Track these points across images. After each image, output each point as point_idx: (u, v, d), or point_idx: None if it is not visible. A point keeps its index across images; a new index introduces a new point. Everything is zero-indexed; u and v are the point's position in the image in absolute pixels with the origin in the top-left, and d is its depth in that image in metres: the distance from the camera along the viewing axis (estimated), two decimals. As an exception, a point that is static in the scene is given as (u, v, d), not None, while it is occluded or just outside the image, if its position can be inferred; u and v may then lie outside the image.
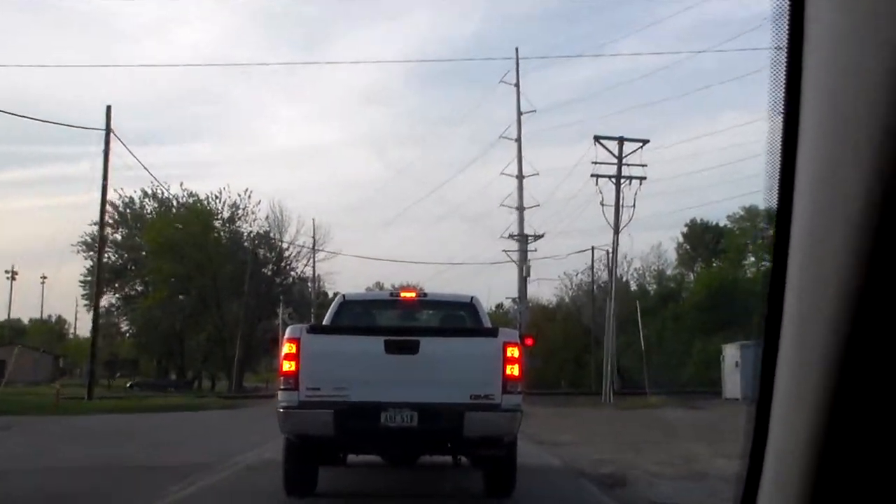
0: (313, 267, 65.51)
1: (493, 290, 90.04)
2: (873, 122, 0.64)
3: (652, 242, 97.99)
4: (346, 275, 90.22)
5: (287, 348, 8.65)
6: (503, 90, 49.43)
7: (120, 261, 64.78)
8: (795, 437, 0.83)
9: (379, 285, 65.55)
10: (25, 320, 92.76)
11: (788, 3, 0.73)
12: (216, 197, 62.41)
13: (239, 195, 62.79)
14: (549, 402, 33.53)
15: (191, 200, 62.43)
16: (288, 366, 8.59)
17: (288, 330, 9.16)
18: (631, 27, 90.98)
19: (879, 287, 0.70)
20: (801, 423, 0.82)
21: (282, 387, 8.67)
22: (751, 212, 65.32)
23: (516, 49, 48.83)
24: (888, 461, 0.82)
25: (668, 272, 68.52)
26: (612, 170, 39.53)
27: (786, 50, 0.75)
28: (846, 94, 0.66)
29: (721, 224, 69.57)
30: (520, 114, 46.93)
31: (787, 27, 0.74)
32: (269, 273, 65.22)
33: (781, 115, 0.78)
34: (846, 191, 0.68)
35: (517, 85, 47.02)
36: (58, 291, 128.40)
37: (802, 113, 0.74)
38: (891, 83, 0.61)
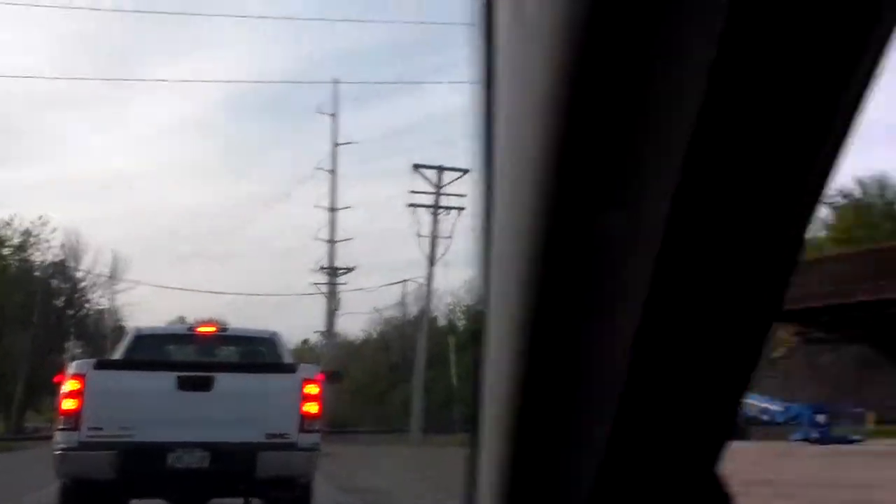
0: (110, 298, 62.90)
1: (304, 324, 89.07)
2: (532, 166, 0.65)
3: (467, 277, 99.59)
4: (147, 308, 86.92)
5: (70, 385, 8.22)
6: (323, 122, 49.34)
7: None
8: (491, 467, 0.86)
9: (181, 319, 63.59)
10: None
11: (482, 40, 0.73)
12: (7, 224, 59.06)
13: (31, 222, 59.61)
14: (355, 442, 33.36)
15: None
16: (69, 404, 8.15)
17: (73, 365, 8.73)
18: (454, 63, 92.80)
19: (545, 321, 0.73)
20: (494, 453, 0.84)
21: (60, 427, 8.22)
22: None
23: (334, 80, 49.02)
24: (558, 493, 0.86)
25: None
26: (432, 200, 40.02)
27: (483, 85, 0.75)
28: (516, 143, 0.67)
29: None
30: (335, 145, 46.99)
31: (481, 62, 0.74)
32: (62, 304, 62.10)
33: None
34: (516, 236, 0.69)
35: (333, 115, 47.10)
36: None
37: (493, 154, 0.74)
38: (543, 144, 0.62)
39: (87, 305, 64.17)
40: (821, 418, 27.86)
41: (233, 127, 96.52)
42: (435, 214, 40.02)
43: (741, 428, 31.61)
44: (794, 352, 47.94)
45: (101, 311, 64.30)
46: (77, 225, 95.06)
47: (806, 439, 27.22)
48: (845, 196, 53.97)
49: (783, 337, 48.99)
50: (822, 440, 26.89)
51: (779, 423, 30.18)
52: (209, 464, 8.18)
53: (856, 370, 47.43)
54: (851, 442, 27.07)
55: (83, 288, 63.04)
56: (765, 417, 30.52)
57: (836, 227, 54.29)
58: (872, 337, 50.23)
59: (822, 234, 56.18)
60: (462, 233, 45.09)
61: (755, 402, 30.24)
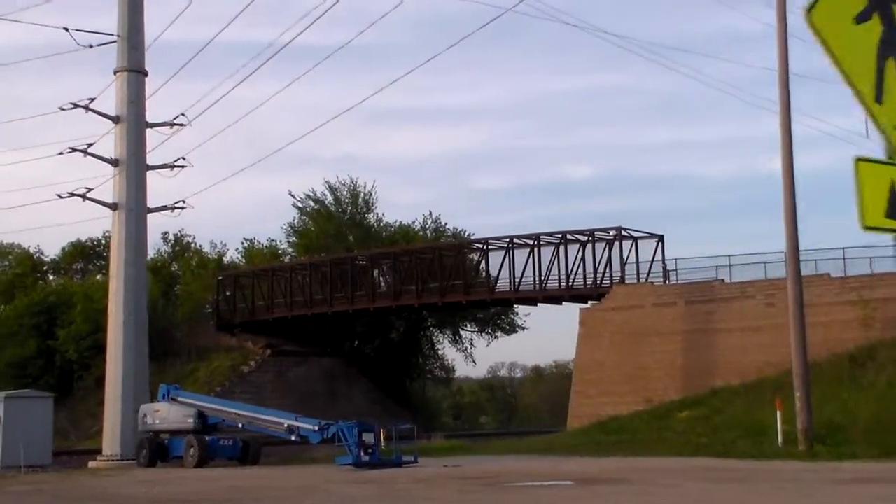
0: None
1: None
2: None
3: None
4: None
5: None
6: None
7: None
8: None
9: None
10: None
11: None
12: None
13: None
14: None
15: None
16: None
17: None
18: None
19: None
20: None
21: None
22: None
23: None
24: None
25: None
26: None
27: None
28: None
29: None
30: None
31: None
32: None
33: None
34: None
35: None
36: None
37: None
38: None
39: None
40: (369, 438, 24.26)
41: None
42: None
43: (255, 450, 28.13)
44: (265, 365, 47.73)
45: None
46: None
47: (357, 464, 23.54)
48: (317, 202, 53.83)
49: (253, 349, 48.60)
50: (374, 464, 23.57)
51: (313, 444, 26.79)
52: None
53: (326, 382, 48.61)
54: (404, 463, 24.03)
55: None
56: (293, 438, 26.52)
57: (305, 234, 54.08)
58: (342, 350, 51.99)
59: (293, 239, 55.76)
60: None
61: (281, 421, 26.82)
